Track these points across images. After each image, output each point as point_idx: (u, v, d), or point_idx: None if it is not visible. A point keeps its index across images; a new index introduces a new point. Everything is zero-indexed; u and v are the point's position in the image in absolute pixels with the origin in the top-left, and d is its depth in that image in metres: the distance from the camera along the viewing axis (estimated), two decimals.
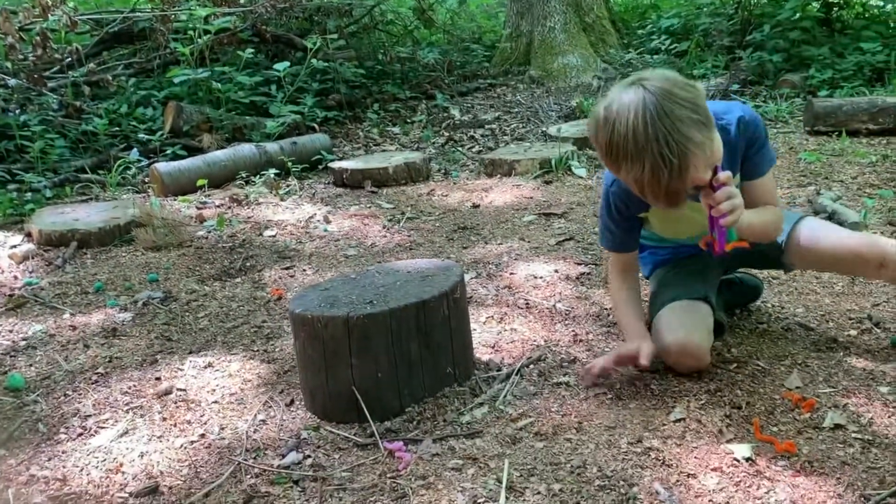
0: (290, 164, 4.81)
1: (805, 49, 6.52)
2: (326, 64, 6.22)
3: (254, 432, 2.02)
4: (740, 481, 1.64)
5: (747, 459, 1.72)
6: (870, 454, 1.71)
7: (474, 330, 2.51)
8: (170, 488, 1.80)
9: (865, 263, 2.03)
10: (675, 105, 1.65)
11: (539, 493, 1.65)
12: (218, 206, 4.28)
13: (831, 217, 3.22)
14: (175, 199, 4.46)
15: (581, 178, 4.43)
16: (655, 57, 7.73)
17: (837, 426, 1.82)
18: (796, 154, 4.42)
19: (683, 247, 2.27)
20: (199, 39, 5.69)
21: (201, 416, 2.13)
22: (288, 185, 4.60)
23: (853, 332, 2.29)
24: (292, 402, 2.16)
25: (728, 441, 1.79)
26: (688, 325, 2.04)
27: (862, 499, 1.56)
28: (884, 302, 2.48)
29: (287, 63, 5.77)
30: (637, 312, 2.17)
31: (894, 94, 5.24)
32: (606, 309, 2.62)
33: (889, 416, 1.84)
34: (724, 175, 1.77)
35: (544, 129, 5.78)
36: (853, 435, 1.78)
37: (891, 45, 6.27)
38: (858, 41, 6.43)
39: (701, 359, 2.05)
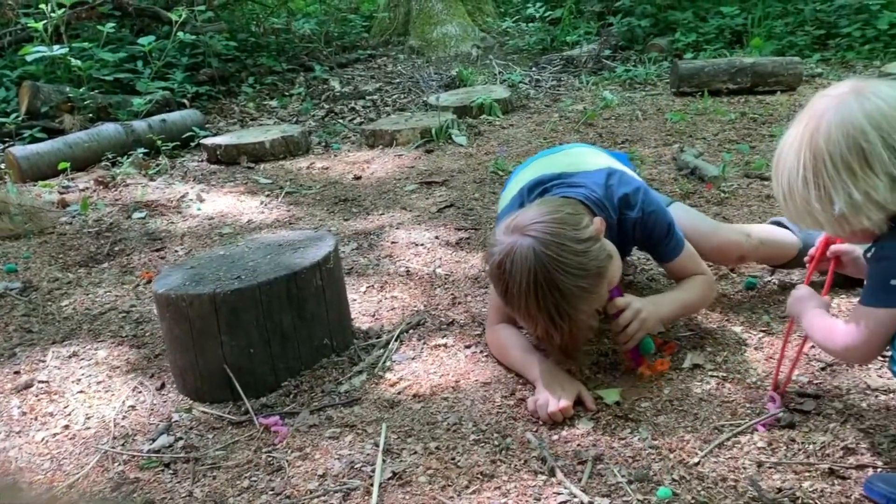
0: (159, 142, 4.60)
1: (671, 14, 6.79)
2: (195, 37, 5.96)
3: (122, 419, 1.94)
4: (607, 424, 1.71)
5: (616, 403, 1.79)
6: (724, 389, 1.82)
7: (354, 300, 2.50)
8: (30, 483, 1.71)
9: (727, 259, 2.25)
10: (565, 275, 1.63)
11: (416, 452, 1.66)
12: (82, 190, 4.05)
13: (693, 171, 3.38)
14: (35, 185, 4.19)
15: (461, 146, 4.45)
16: (531, 25, 7.85)
17: (696, 366, 1.92)
18: (663, 114, 4.60)
19: None
20: (52, 14, 5.32)
21: (65, 408, 2.03)
22: (158, 165, 4.40)
23: None
24: (163, 385, 2.09)
25: (596, 387, 1.86)
26: None
27: (716, 430, 1.66)
28: None
29: (152, 37, 5.50)
30: (533, 348, 1.97)
31: (751, 55, 5.54)
32: (484, 271, 2.66)
33: (741, 354, 1.96)
34: (620, 302, 1.83)
35: (425, 98, 5.78)
36: (710, 373, 1.89)
37: (747, 8, 6.62)
38: (719, 5, 6.75)
39: None
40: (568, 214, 1.72)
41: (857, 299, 1.41)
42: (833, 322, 1.47)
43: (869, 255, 1.34)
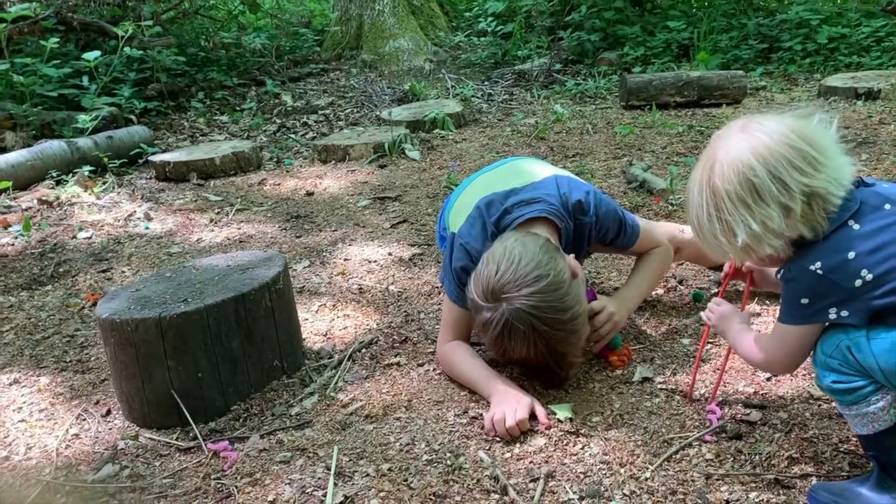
0: (106, 159, 4.50)
1: (619, 28, 6.91)
2: (143, 52, 5.86)
3: (65, 448, 1.88)
4: (559, 440, 1.72)
5: (568, 419, 1.80)
6: (673, 402, 1.84)
7: (306, 319, 2.47)
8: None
9: None
10: (564, 338, 1.77)
11: (368, 474, 1.65)
12: (25, 210, 3.94)
13: (642, 185, 3.44)
14: None
15: (415, 160, 4.46)
16: (483, 39, 7.92)
17: (645, 379, 1.94)
18: (613, 128, 4.67)
19: None
20: None
21: (5, 438, 1.96)
22: (104, 183, 4.30)
23: (660, 291, 2.46)
24: (108, 412, 2.03)
25: (549, 402, 1.87)
26: None
27: (665, 443, 1.68)
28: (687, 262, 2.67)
29: (98, 52, 5.38)
30: (485, 364, 1.99)
31: (697, 69, 5.67)
32: (437, 288, 2.66)
33: (689, 366, 1.99)
34: (596, 305, 1.99)
35: (378, 113, 5.77)
36: (659, 386, 1.91)
37: (693, 22, 6.78)
38: (666, 20, 6.90)
39: None
40: (553, 275, 1.74)
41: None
42: (757, 338, 1.55)
43: (780, 276, 1.42)
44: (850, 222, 1.33)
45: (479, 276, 1.80)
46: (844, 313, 1.32)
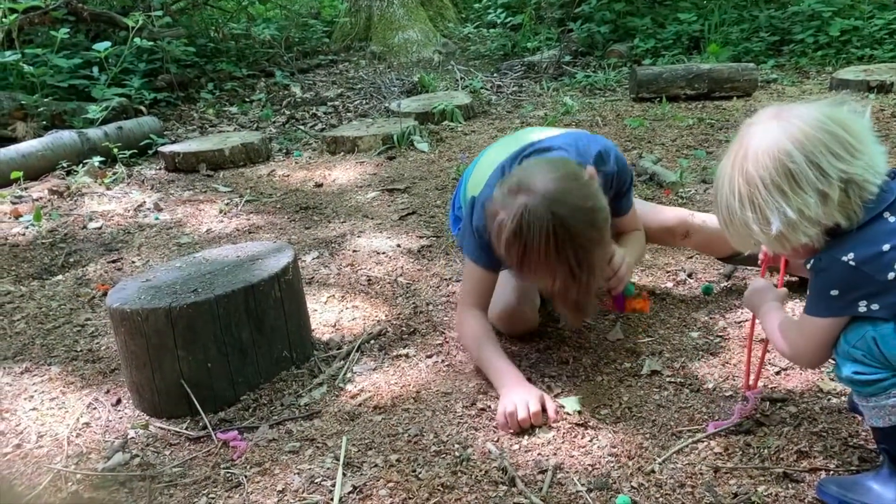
0: (115, 150, 4.51)
1: (630, 20, 6.87)
2: (153, 43, 5.87)
3: (76, 437, 1.90)
4: (567, 432, 1.72)
5: (576, 412, 1.80)
6: (681, 395, 1.84)
7: (315, 310, 2.48)
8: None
9: (673, 235, 2.35)
10: (583, 226, 1.70)
11: (376, 465, 1.65)
12: (36, 200, 3.96)
13: (652, 177, 3.43)
14: None
15: (423, 152, 4.45)
16: (492, 31, 7.89)
17: (654, 372, 1.94)
18: (623, 120, 4.65)
19: None
20: (4, 19, 5.20)
21: (17, 426, 1.98)
22: (115, 173, 4.32)
23: (669, 284, 2.45)
24: (119, 401, 2.05)
25: (557, 395, 1.87)
26: (517, 292, 2.12)
27: (674, 436, 1.68)
28: (697, 254, 2.66)
29: (108, 43, 5.39)
30: (503, 353, 1.98)
31: (708, 61, 5.63)
32: (446, 280, 2.66)
33: (698, 359, 1.99)
34: (617, 258, 1.94)
35: (387, 104, 5.77)
36: (667, 379, 1.91)
37: (704, 14, 6.73)
38: (677, 12, 6.85)
39: (529, 321, 2.13)
40: (571, 168, 1.77)
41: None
42: (785, 324, 1.51)
43: (809, 266, 1.38)
44: (886, 214, 1.30)
45: (497, 190, 1.80)
46: (875, 306, 1.29)
